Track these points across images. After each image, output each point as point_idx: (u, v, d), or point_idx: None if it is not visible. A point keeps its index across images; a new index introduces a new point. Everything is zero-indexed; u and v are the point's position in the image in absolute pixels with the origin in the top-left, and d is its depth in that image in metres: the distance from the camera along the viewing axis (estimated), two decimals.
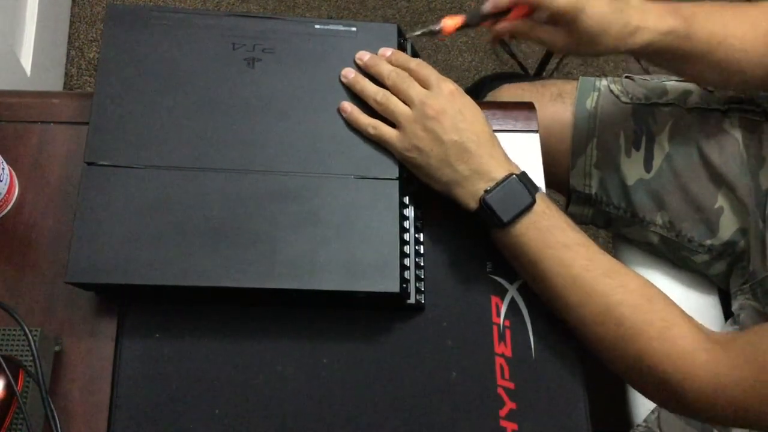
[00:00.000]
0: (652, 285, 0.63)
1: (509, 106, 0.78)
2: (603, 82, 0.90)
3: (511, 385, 0.66)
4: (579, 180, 0.88)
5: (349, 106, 0.65)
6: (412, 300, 0.65)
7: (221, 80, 0.67)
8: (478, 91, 1.50)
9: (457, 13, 0.74)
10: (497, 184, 0.61)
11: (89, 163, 0.63)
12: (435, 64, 1.57)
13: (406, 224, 0.66)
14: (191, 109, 0.65)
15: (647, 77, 0.90)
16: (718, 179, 0.82)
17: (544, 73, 1.50)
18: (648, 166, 0.84)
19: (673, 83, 0.88)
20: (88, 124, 0.64)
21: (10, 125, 0.72)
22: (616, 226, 0.90)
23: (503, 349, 0.67)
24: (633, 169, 0.85)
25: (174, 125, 0.65)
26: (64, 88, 1.48)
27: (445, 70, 1.57)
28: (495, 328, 0.67)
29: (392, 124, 0.64)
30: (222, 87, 0.66)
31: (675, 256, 0.87)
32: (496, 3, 0.68)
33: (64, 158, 0.71)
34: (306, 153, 0.65)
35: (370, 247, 0.63)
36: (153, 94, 0.66)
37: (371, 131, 0.64)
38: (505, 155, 0.64)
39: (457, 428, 0.64)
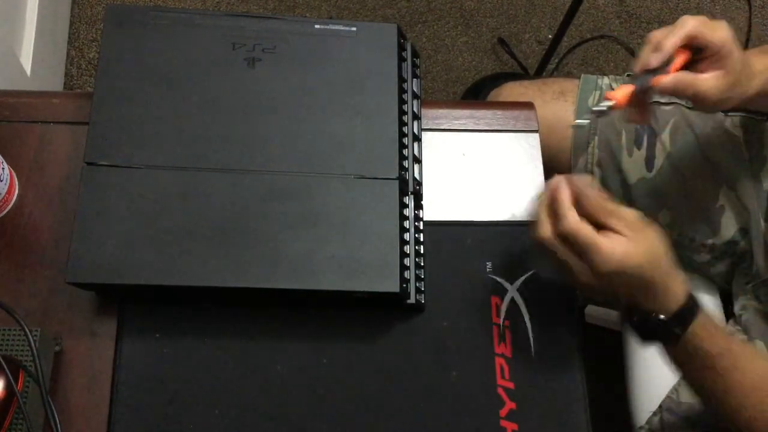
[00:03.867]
0: None
1: (509, 106, 0.78)
2: (605, 81, 0.90)
3: (511, 385, 0.66)
4: None
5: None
6: (412, 300, 0.65)
7: (221, 80, 0.67)
8: (478, 91, 1.51)
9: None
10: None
11: (89, 163, 0.63)
12: (435, 65, 1.57)
13: (406, 224, 0.65)
14: (191, 109, 0.65)
15: None
16: (720, 178, 0.82)
17: (543, 73, 1.50)
18: (649, 165, 0.84)
19: None
20: (88, 124, 0.64)
21: (10, 125, 0.72)
22: None
23: (503, 349, 0.67)
24: (634, 168, 0.85)
25: (174, 125, 0.65)
26: (64, 88, 1.48)
27: (445, 70, 1.57)
28: (495, 328, 0.67)
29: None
30: (222, 87, 0.66)
31: (677, 256, 0.87)
32: (664, 50, 0.61)
33: (64, 158, 0.71)
34: (306, 153, 0.65)
35: (370, 247, 0.63)
36: (153, 94, 0.65)
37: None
38: (665, 291, 0.60)
39: (457, 428, 0.64)
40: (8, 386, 0.56)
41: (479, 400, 0.65)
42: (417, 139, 0.71)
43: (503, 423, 0.64)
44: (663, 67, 0.61)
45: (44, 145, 0.72)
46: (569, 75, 1.59)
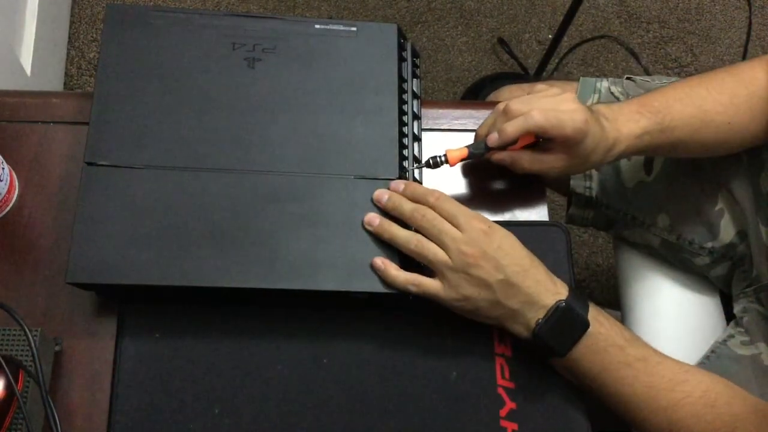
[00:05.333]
0: (716, 382, 0.62)
1: None
2: (603, 84, 0.89)
3: (511, 385, 0.66)
4: (579, 182, 0.88)
5: (380, 261, 0.62)
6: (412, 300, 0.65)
7: (221, 80, 0.67)
8: (478, 91, 1.51)
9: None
10: (547, 314, 0.60)
11: (89, 163, 0.63)
12: (435, 64, 1.57)
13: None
14: (191, 109, 0.65)
15: (648, 78, 0.90)
16: (718, 182, 0.82)
17: (543, 73, 1.50)
18: (648, 168, 0.84)
19: None
20: (88, 124, 0.64)
21: (10, 125, 0.72)
22: (617, 229, 0.90)
23: (503, 349, 0.67)
24: (633, 172, 0.85)
25: (174, 125, 0.65)
26: (64, 88, 1.48)
27: (445, 70, 1.57)
28: (495, 328, 0.67)
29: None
30: (222, 87, 0.66)
31: (676, 259, 0.87)
32: (504, 138, 0.66)
33: (64, 158, 0.71)
34: (306, 153, 0.65)
35: (370, 247, 0.63)
36: (153, 94, 0.66)
37: (413, 289, 0.61)
38: (548, 275, 0.63)
39: (457, 428, 0.64)
40: (8, 386, 0.56)
41: (479, 400, 0.65)
42: (417, 139, 0.71)
43: (503, 423, 0.64)
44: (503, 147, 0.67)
45: (44, 145, 0.72)
46: (569, 75, 1.59)
